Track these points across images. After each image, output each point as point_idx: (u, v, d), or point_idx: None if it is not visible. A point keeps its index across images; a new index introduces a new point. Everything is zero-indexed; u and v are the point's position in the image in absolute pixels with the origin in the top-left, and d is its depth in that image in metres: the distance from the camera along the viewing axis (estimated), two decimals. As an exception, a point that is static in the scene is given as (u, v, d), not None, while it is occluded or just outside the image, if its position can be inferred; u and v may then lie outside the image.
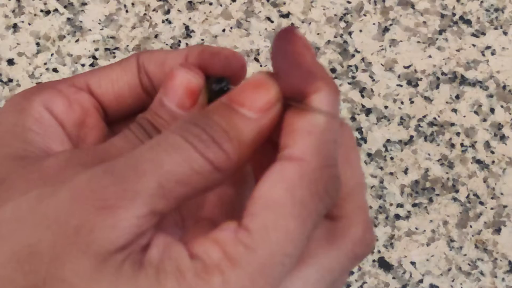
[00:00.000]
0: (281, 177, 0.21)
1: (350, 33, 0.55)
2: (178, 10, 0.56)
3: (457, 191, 0.51)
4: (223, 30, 0.55)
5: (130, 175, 0.20)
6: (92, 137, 0.26)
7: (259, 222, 0.20)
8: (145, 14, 0.56)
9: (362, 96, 0.53)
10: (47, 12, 0.56)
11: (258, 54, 0.54)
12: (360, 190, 0.24)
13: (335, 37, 0.55)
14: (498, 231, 0.50)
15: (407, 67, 0.54)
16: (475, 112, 0.53)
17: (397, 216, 0.50)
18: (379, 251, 0.49)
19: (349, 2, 0.56)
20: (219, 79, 0.25)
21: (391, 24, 0.56)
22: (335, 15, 0.56)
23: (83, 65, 0.54)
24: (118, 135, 0.25)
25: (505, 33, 0.55)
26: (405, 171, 0.51)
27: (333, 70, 0.54)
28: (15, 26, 0.56)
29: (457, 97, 0.53)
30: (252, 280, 0.20)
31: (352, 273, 0.48)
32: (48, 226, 0.20)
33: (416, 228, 0.50)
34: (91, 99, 0.26)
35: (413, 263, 0.49)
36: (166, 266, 0.20)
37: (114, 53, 0.55)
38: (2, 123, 0.25)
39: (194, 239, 0.21)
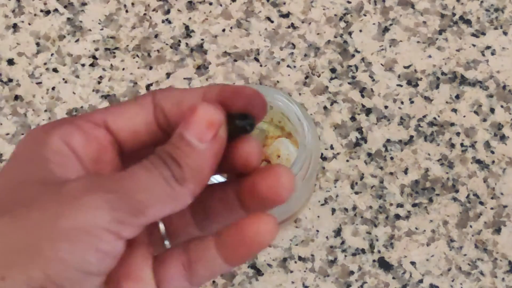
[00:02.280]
0: None
1: (350, 33, 0.55)
2: (178, 10, 0.56)
3: (457, 191, 0.51)
4: (223, 30, 0.55)
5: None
6: (107, 173, 0.27)
7: None
8: (145, 14, 0.56)
9: (362, 96, 0.53)
10: (47, 12, 0.56)
11: (258, 54, 0.54)
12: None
13: (335, 37, 0.55)
14: (498, 231, 0.50)
15: (407, 67, 0.54)
16: (475, 112, 0.53)
17: (397, 216, 0.50)
18: (379, 251, 0.49)
19: (349, 2, 0.56)
20: (243, 115, 0.26)
21: (391, 24, 0.56)
22: (335, 15, 0.56)
23: (83, 65, 0.54)
24: (138, 164, 0.25)
25: (505, 33, 0.55)
26: (405, 171, 0.51)
27: (333, 70, 0.54)
28: (15, 26, 0.56)
29: (457, 97, 0.53)
30: None
31: (352, 273, 0.48)
32: None
33: (416, 228, 0.50)
34: (108, 135, 0.27)
35: (413, 263, 0.49)
36: None
37: (114, 53, 0.55)
38: (23, 154, 0.26)
39: None
